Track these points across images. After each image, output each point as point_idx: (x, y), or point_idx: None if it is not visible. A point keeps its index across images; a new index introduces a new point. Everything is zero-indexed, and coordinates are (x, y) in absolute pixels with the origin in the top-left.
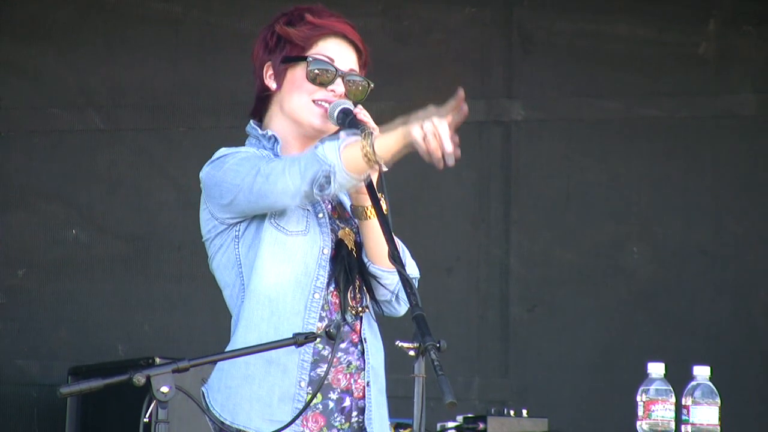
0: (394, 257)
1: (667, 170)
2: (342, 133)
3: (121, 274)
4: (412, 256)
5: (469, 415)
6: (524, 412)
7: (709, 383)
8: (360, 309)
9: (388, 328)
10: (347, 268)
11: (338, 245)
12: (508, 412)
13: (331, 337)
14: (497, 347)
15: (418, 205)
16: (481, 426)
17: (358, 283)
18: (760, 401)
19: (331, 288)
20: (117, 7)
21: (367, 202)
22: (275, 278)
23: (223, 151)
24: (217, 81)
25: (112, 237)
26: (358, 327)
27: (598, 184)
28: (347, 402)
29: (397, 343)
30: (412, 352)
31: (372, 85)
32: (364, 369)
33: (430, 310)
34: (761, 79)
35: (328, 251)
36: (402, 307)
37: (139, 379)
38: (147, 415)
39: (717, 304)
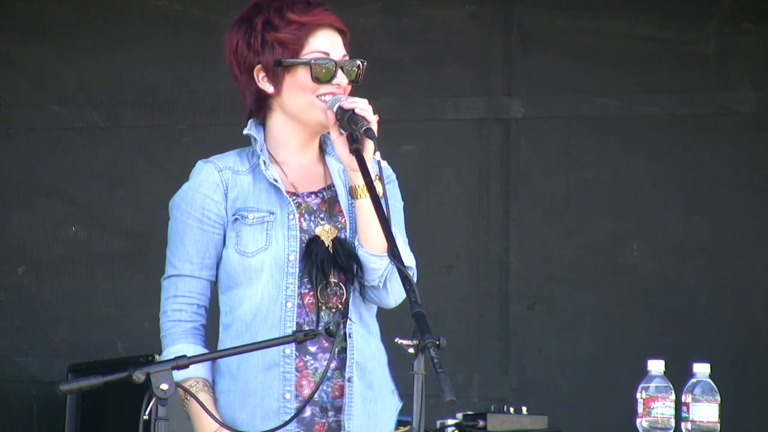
0: (394, 254)
1: (667, 167)
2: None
3: (120, 271)
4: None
5: (469, 413)
6: (524, 409)
7: (709, 380)
8: (339, 305)
9: (388, 325)
10: (319, 264)
11: (310, 243)
12: (508, 410)
13: (330, 334)
14: (497, 344)
15: (417, 202)
16: (481, 423)
17: (333, 278)
18: (760, 398)
19: (304, 289)
20: (116, 4)
21: (359, 180)
22: (248, 304)
23: (174, 200)
24: (216, 78)
25: (112, 234)
26: None
27: (597, 181)
28: (308, 411)
29: (396, 340)
30: (411, 350)
31: (365, 63)
32: (343, 367)
33: (430, 308)
34: (761, 76)
35: (294, 256)
36: (390, 298)
37: (139, 376)
38: (146, 412)
39: (717, 301)
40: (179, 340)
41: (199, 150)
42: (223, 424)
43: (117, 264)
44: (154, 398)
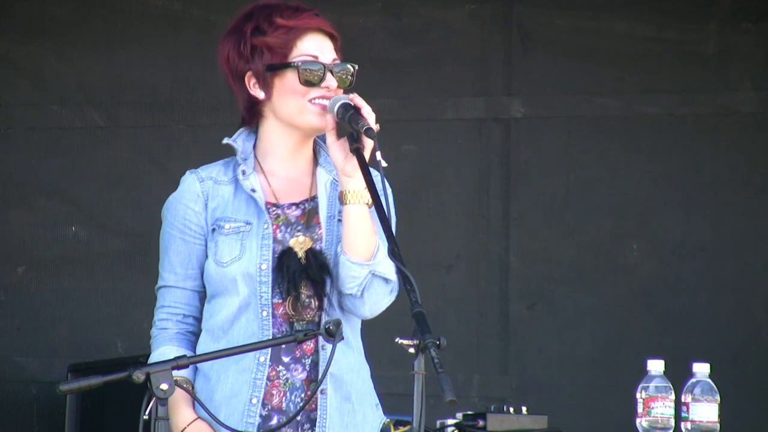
0: (394, 253)
1: (667, 167)
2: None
3: (120, 271)
4: (408, 253)
5: (469, 413)
6: (524, 409)
7: (709, 380)
8: (312, 317)
9: (388, 325)
10: (290, 277)
11: (282, 255)
12: (508, 410)
13: (331, 334)
14: (497, 344)
15: (417, 202)
16: (481, 423)
17: (305, 291)
18: (760, 398)
19: (277, 299)
20: (117, 4)
21: (349, 185)
22: (225, 313)
23: (166, 205)
24: (216, 78)
25: (112, 234)
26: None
27: (597, 181)
28: (274, 420)
29: (396, 340)
30: (411, 350)
31: (356, 67)
32: (316, 380)
33: (430, 308)
34: (761, 76)
35: (267, 265)
36: (366, 308)
37: (139, 376)
38: (146, 412)
39: (717, 301)
40: (163, 344)
41: (199, 150)
42: (205, 418)
43: (117, 264)
44: (154, 398)
